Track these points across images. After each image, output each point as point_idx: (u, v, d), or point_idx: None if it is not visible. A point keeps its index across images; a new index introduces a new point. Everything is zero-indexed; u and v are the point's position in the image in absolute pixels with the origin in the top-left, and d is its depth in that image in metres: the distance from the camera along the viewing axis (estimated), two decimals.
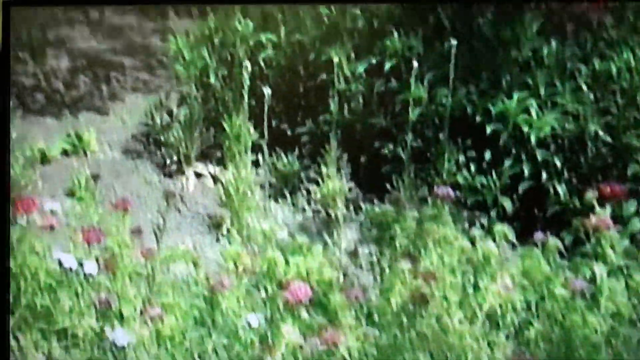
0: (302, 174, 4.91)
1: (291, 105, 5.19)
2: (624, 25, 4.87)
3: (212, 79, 5.21)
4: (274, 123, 5.03)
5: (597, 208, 3.74)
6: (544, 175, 4.50)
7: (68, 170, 4.88)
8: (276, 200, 4.85)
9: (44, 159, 4.95)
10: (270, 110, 4.75)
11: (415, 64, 4.64)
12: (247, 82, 4.68)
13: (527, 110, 4.56)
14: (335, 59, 4.89)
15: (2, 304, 3.79)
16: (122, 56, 6.11)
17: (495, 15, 5.15)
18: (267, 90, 4.57)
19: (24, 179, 4.53)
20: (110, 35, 6.28)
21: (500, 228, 3.95)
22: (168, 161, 5.06)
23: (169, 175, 5.02)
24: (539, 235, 3.80)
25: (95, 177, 4.53)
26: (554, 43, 4.81)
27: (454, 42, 4.60)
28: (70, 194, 4.70)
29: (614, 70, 4.56)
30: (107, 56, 6.07)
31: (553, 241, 3.78)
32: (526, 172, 4.52)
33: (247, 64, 4.70)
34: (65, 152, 5.09)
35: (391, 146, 4.79)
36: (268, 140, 4.73)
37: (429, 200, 4.26)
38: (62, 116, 5.45)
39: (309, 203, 4.81)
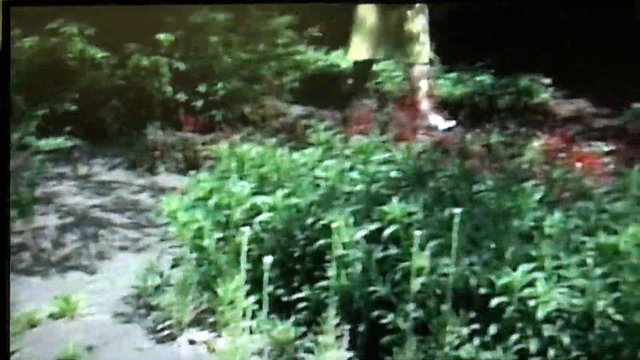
0: (299, 342, 4.75)
1: (288, 271, 5.05)
2: (628, 196, 4.86)
3: (207, 242, 5.08)
4: (269, 288, 4.88)
5: None
6: (551, 352, 4.37)
7: (56, 334, 4.73)
8: None
9: (32, 323, 4.78)
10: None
11: (417, 232, 4.54)
12: (244, 247, 4.57)
13: (533, 284, 4.45)
14: (334, 224, 4.78)
15: (2, 305, 3.67)
16: (110, 213, 6.00)
17: (495, 183, 5.12)
18: (267, 259, 4.45)
19: (14, 344, 4.36)
20: (98, 192, 6.20)
21: None
22: (160, 326, 4.89)
23: (161, 342, 4.85)
24: None
25: (89, 349, 4.39)
26: (556, 214, 4.76)
27: (456, 210, 4.52)
28: None
29: (621, 245, 4.48)
30: (95, 213, 5.97)
31: None
32: (532, 349, 4.38)
33: (245, 229, 4.60)
34: (52, 315, 4.92)
35: (391, 316, 4.65)
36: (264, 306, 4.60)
37: None
38: (49, 276, 5.31)
39: None
